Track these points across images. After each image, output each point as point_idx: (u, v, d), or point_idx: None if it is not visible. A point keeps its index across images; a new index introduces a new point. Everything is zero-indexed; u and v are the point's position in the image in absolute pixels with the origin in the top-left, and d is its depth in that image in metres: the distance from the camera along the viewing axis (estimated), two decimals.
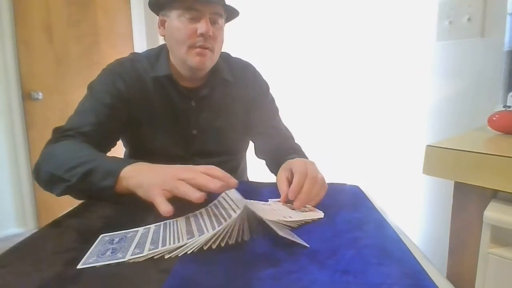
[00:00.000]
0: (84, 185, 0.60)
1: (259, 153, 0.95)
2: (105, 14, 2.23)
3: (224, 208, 0.53)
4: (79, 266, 0.38)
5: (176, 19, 0.76)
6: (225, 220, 0.47)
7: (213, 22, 0.76)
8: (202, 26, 0.74)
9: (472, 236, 0.63)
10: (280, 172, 0.67)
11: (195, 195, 0.48)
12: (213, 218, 0.50)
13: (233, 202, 0.53)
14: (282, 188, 0.62)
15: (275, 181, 0.70)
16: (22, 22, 2.05)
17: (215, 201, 0.57)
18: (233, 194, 0.56)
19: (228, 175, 0.53)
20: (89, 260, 0.40)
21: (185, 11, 0.75)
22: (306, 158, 0.80)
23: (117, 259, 0.40)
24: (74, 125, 0.74)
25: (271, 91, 0.98)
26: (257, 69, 0.97)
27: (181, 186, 0.50)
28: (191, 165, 0.55)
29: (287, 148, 0.85)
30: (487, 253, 0.58)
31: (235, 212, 0.48)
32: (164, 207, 0.49)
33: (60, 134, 0.73)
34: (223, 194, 0.58)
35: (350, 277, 0.37)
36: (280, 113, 0.98)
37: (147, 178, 0.55)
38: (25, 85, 2.10)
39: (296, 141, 0.93)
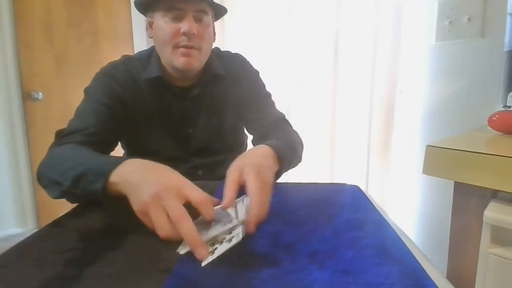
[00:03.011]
0: (75, 189, 0.55)
1: (255, 141, 0.92)
2: (105, 14, 2.23)
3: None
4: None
5: (160, 20, 0.75)
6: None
7: (197, 20, 0.75)
8: (185, 25, 0.73)
9: (472, 236, 0.63)
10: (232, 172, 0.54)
11: (162, 233, 0.42)
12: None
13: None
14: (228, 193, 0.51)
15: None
16: (22, 22, 2.05)
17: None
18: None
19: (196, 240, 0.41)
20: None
21: (167, 11, 0.74)
22: (289, 143, 0.75)
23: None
24: (79, 127, 0.73)
25: (261, 77, 0.95)
26: (246, 58, 0.94)
27: (158, 217, 0.43)
28: (179, 181, 0.47)
29: (271, 133, 0.81)
30: (487, 253, 0.58)
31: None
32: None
33: (63, 137, 0.71)
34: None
35: (350, 277, 0.37)
36: (272, 98, 0.95)
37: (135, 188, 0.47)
38: (25, 85, 2.10)
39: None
